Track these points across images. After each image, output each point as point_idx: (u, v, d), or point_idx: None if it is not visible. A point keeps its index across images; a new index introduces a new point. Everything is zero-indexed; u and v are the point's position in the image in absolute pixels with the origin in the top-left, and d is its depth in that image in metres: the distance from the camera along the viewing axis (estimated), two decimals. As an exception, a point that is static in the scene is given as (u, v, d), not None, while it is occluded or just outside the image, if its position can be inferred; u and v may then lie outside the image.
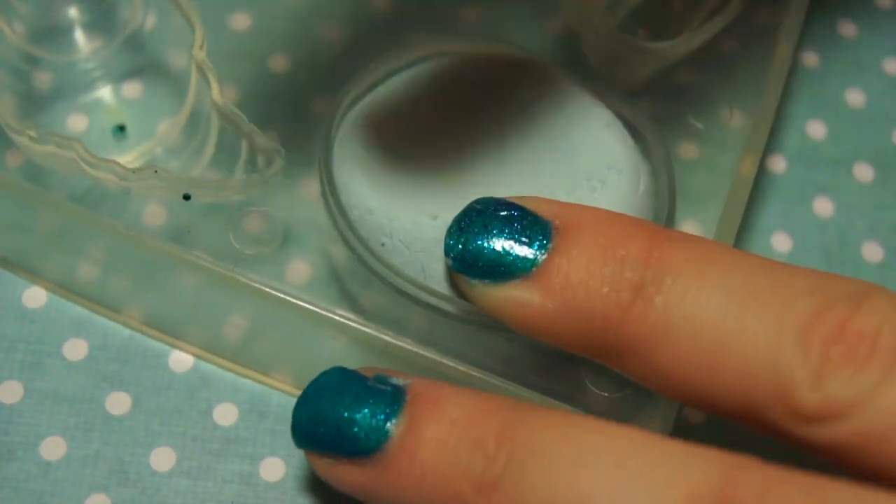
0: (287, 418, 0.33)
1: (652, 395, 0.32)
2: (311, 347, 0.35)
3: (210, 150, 0.38)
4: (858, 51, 0.45)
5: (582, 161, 0.36)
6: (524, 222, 0.31)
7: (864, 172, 0.43)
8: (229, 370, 0.37)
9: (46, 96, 0.41)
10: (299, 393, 0.36)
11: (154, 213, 0.39)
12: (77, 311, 0.38)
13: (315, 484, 0.36)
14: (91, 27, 0.41)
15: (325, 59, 0.43)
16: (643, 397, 0.34)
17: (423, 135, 0.37)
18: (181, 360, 0.37)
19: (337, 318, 0.33)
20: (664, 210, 0.37)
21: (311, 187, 0.39)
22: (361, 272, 0.35)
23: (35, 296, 0.38)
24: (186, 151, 0.39)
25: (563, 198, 0.35)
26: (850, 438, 0.27)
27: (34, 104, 0.40)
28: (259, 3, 0.43)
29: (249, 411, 0.37)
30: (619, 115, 0.38)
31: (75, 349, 0.37)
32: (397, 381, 0.31)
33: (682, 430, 0.32)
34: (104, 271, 0.37)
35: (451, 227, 0.32)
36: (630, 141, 0.37)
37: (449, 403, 0.30)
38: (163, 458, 0.36)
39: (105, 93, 0.41)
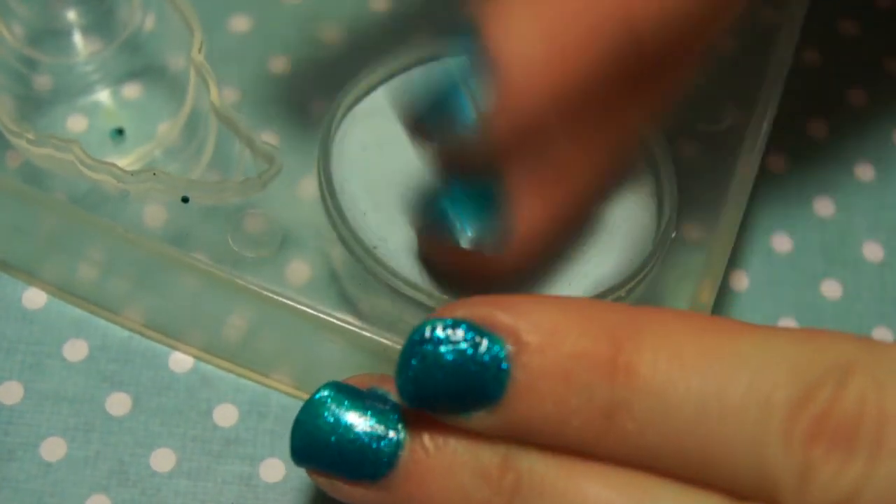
0: (288, 419, 0.33)
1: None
2: (310, 349, 0.35)
3: (209, 152, 0.38)
4: (859, 49, 0.45)
5: (581, 162, 0.36)
6: (476, 354, 0.28)
7: (864, 172, 0.43)
8: (229, 371, 0.37)
9: (45, 99, 0.41)
10: (299, 394, 0.36)
11: (153, 216, 0.39)
12: (77, 311, 0.38)
13: (316, 486, 0.36)
14: (90, 30, 0.41)
15: (324, 61, 0.43)
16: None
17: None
18: (181, 360, 0.37)
19: (335, 321, 0.33)
20: (665, 211, 0.37)
21: (310, 189, 0.39)
22: (360, 274, 0.35)
23: (35, 297, 0.38)
24: (185, 154, 0.39)
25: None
26: None
27: (33, 106, 0.40)
28: (259, 4, 0.43)
29: (249, 412, 0.37)
30: (619, 116, 0.38)
31: (75, 350, 0.37)
32: (396, 398, 0.31)
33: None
34: (103, 273, 0.37)
35: (399, 365, 0.29)
36: (629, 142, 0.37)
37: (451, 429, 0.30)
38: (163, 459, 0.36)
39: (104, 95, 0.41)
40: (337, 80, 0.39)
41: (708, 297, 0.35)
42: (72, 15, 0.41)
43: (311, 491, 0.36)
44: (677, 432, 0.27)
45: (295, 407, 0.32)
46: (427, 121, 0.31)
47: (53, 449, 0.36)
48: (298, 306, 0.34)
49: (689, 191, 0.38)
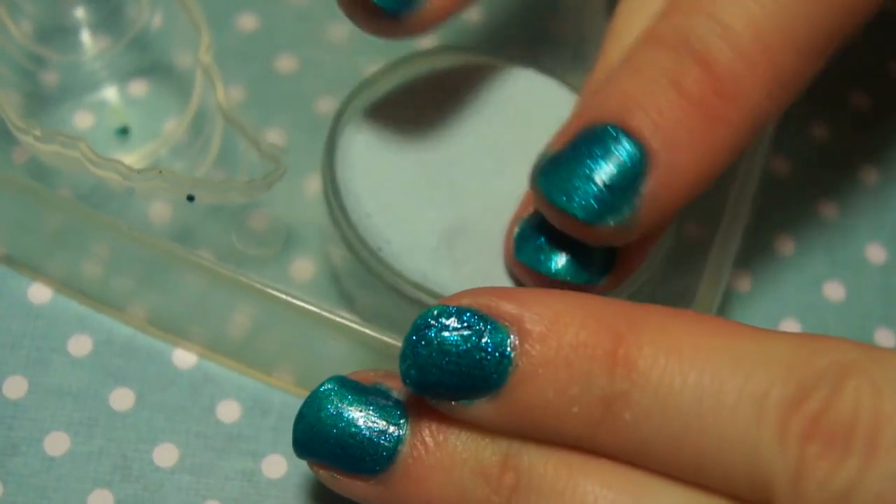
0: (290, 416, 0.33)
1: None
2: (313, 347, 0.35)
3: (214, 151, 0.38)
4: (863, 53, 0.45)
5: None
6: (481, 341, 0.29)
7: (867, 174, 0.43)
8: (232, 369, 0.37)
9: (52, 96, 0.41)
10: (302, 392, 0.36)
11: (158, 213, 0.39)
12: (82, 307, 0.38)
13: (317, 482, 0.36)
14: (98, 27, 0.41)
15: (331, 60, 0.43)
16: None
17: (425, 140, 0.37)
18: (185, 356, 0.37)
19: (338, 319, 0.34)
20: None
21: (315, 187, 0.39)
22: (363, 274, 0.35)
23: (40, 292, 0.38)
24: (190, 152, 0.39)
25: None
26: None
27: (40, 103, 0.40)
28: (266, 3, 0.43)
29: (252, 408, 0.37)
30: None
31: (80, 345, 0.37)
32: (399, 395, 0.31)
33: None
34: (108, 270, 0.37)
35: (403, 351, 0.29)
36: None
37: (452, 426, 0.30)
38: (166, 455, 0.36)
39: (110, 93, 0.41)
40: (343, 79, 0.39)
41: (710, 297, 0.35)
42: (80, 12, 0.41)
43: (313, 487, 0.36)
44: (673, 426, 0.28)
45: (297, 403, 0.32)
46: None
47: (57, 443, 0.36)
48: (302, 304, 0.34)
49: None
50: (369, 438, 0.30)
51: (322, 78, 0.42)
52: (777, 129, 0.39)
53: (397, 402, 0.31)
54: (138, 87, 0.41)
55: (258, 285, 0.34)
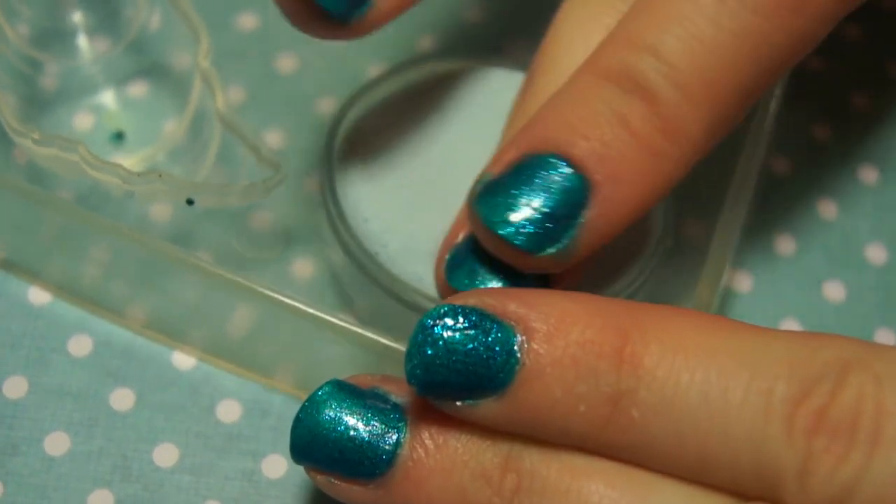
0: (290, 416, 0.33)
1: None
2: (312, 350, 0.35)
3: (213, 154, 0.38)
4: (863, 53, 0.45)
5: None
6: (487, 340, 0.29)
7: (867, 174, 0.43)
8: (231, 372, 0.37)
9: (50, 99, 0.41)
10: (301, 395, 0.36)
11: (157, 215, 0.39)
12: (82, 308, 0.38)
13: (317, 482, 0.36)
14: (95, 31, 0.41)
15: (331, 60, 0.43)
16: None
17: (423, 145, 0.37)
18: (185, 357, 0.38)
19: (337, 321, 0.33)
20: (666, 212, 0.37)
21: (314, 190, 0.39)
22: (361, 278, 0.35)
23: (41, 292, 0.38)
24: (189, 155, 0.39)
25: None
26: None
27: (37, 107, 0.40)
28: (265, 3, 0.43)
29: (252, 408, 0.37)
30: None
31: (80, 345, 0.37)
32: (397, 398, 0.31)
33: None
34: (107, 273, 0.37)
35: (409, 350, 0.29)
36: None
37: (451, 428, 0.30)
38: (166, 455, 0.36)
39: (108, 96, 0.41)
40: (343, 80, 0.39)
41: (708, 297, 0.35)
42: (77, 16, 0.41)
43: (313, 488, 0.36)
44: (680, 423, 0.28)
45: (297, 403, 0.32)
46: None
47: (57, 443, 0.36)
48: (301, 307, 0.34)
49: (691, 192, 0.38)
50: (368, 442, 0.30)
51: (322, 78, 0.42)
52: (777, 129, 0.39)
53: (396, 406, 0.31)
54: (136, 89, 0.41)
55: (257, 288, 0.34)
